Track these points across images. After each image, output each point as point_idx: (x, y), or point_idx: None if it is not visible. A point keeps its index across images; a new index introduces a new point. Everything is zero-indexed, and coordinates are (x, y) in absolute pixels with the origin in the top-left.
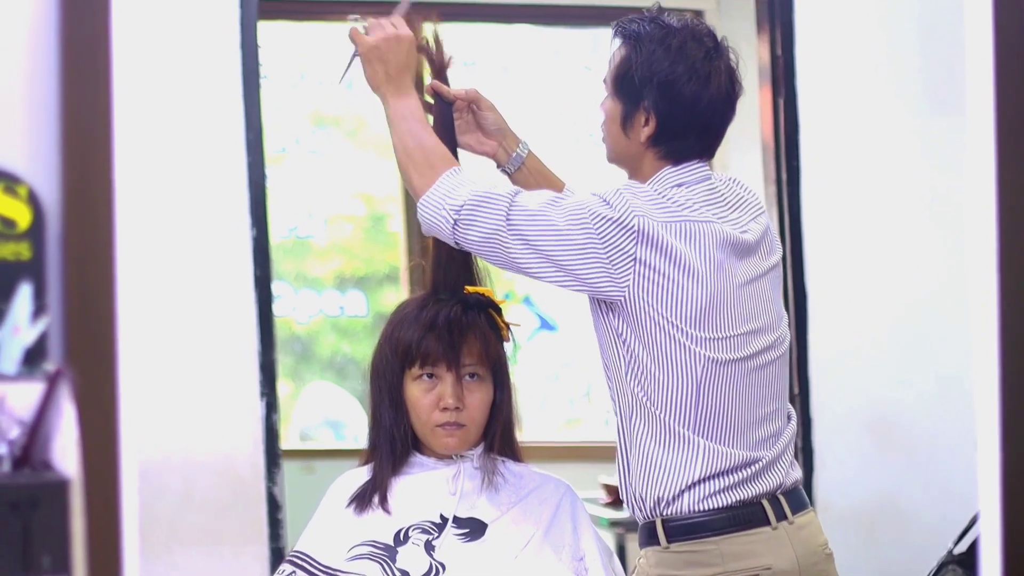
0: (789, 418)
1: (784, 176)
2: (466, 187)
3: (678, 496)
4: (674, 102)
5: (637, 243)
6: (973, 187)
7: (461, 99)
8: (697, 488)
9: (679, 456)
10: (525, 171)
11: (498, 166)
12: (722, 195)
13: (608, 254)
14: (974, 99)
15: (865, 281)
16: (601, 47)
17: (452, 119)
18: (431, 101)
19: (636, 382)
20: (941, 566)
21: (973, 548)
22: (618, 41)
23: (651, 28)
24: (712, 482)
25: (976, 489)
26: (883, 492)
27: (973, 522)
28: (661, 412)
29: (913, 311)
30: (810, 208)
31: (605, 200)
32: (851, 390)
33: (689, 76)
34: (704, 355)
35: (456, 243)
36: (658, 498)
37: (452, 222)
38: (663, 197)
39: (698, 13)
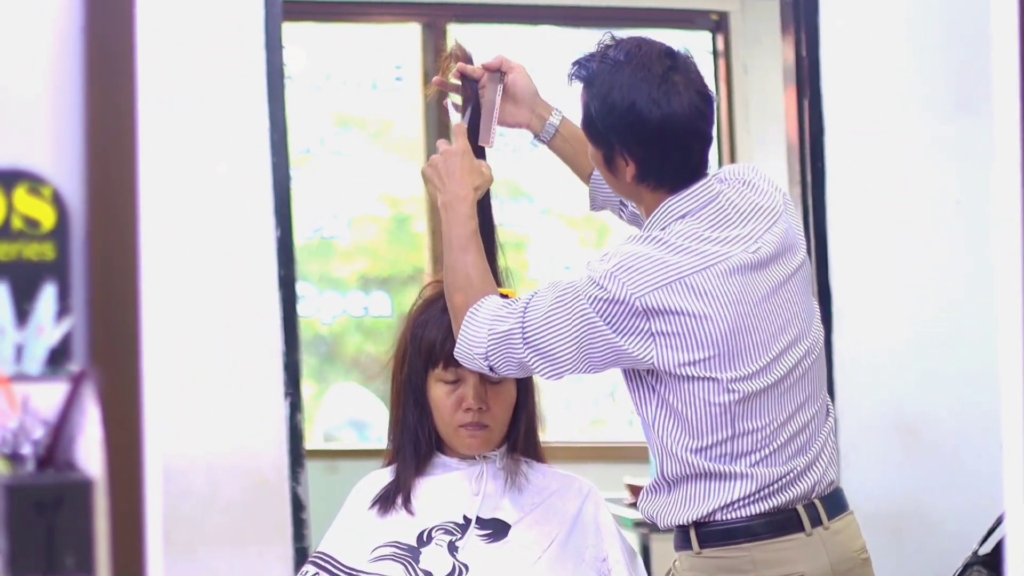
0: (828, 413)
1: (809, 177)
2: (484, 330)
3: (711, 514)
4: (643, 137)
5: (648, 319)
6: (999, 188)
7: (490, 68)
8: (731, 504)
9: (714, 486)
10: (560, 138)
11: (534, 136)
12: (736, 207)
13: (622, 337)
14: (1000, 100)
15: (891, 282)
16: None
17: (479, 98)
18: (455, 87)
19: (671, 424)
20: (966, 567)
21: (998, 549)
22: (578, 84)
23: (599, 67)
24: (746, 498)
25: (1002, 490)
26: (909, 494)
27: (998, 523)
28: (693, 455)
29: (939, 312)
30: (835, 209)
31: (599, 284)
32: (877, 392)
33: (648, 106)
34: (740, 390)
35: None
36: (692, 521)
37: (488, 367)
38: (663, 246)
39: (722, 15)
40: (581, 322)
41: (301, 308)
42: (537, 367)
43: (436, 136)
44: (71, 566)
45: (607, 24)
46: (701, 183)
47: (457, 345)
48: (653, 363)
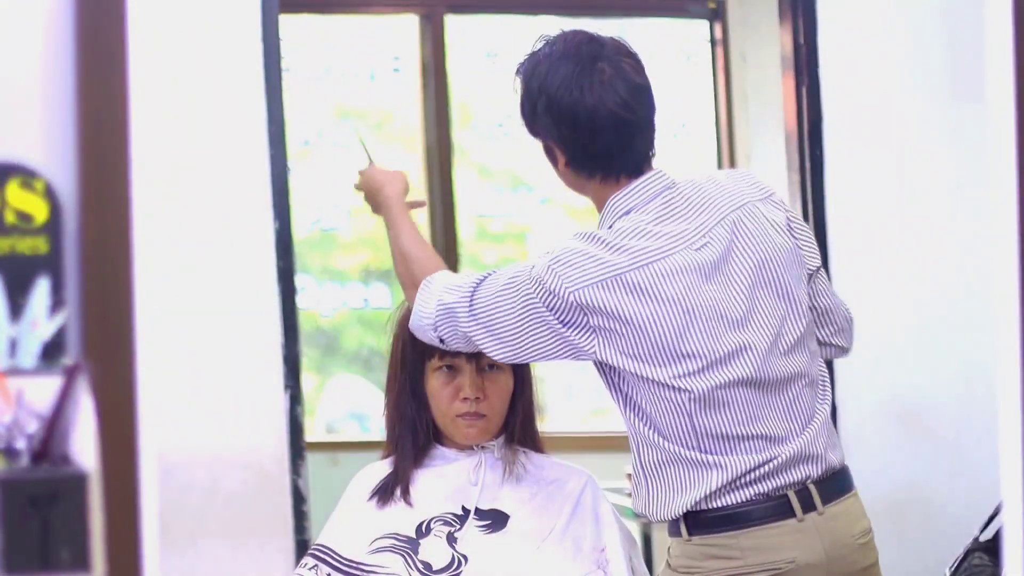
0: (824, 395)
1: (807, 165)
2: (433, 300)
3: (695, 504)
4: (560, 124)
5: (584, 314)
6: (997, 174)
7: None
8: (712, 494)
9: (693, 474)
10: None
11: None
12: (687, 200)
13: (565, 327)
14: (995, 86)
15: (889, 269)
16: (627, 38)
17: None
18: None
19: (637, 418)
20: (967, 553)
21: (999, 535)
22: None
23: (527, 64)
24: (726, 486)
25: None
26: (910, 480)
27: (999, 509)
28: (666, 442)
29: (938, 299)
30: (833, 196)
31: (540, 272)
32: (877, 379)
33: (560, 94)
34: (690, 387)
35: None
36: (680, 514)
37: (438, 339)
38: (601, 244)
39: (720, 3)
40: (527, 305)
41: (301, 300)
42: (482, 342)
43: (435, 126)
44: (66, 561)
45: (607, 13)
46: (651, 175)
47: (412, 316)
48: (596, 355)
